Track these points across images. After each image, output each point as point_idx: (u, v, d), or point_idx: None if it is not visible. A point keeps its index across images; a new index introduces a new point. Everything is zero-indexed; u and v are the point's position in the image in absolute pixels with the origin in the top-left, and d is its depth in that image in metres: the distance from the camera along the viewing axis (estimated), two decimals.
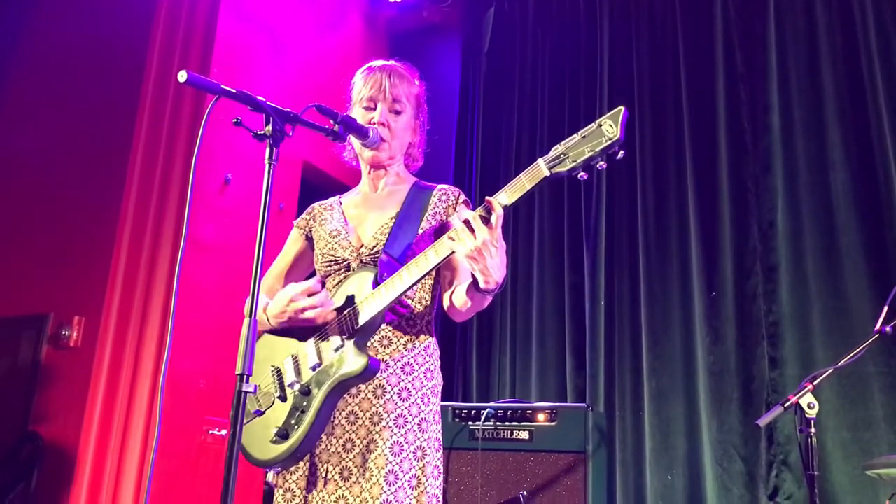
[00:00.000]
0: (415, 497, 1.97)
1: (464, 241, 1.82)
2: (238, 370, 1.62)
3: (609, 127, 1.72)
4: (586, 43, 5.18)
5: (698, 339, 4.26)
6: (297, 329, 2.07)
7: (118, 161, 4.12)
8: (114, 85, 4.33)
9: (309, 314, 2.00)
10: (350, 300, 2.00)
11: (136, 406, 3.84)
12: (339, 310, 2.01)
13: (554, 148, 1.78)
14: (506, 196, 1.82)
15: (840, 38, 4.27)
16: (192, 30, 4.33)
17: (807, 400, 2.63)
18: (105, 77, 4.39)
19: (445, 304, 2.12)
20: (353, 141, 2.23)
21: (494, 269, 1.83)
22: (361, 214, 2.24)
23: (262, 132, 1.79)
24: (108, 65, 4.40)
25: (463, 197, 2.25)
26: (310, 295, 2.00)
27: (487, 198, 1.82)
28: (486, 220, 1.81)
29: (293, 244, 2.36)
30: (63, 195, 4.30)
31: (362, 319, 1.94)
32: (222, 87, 1.76)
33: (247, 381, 1.62)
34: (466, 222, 1.82)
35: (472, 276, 1.88)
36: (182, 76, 1.68)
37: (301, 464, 2.03)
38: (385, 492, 1.91)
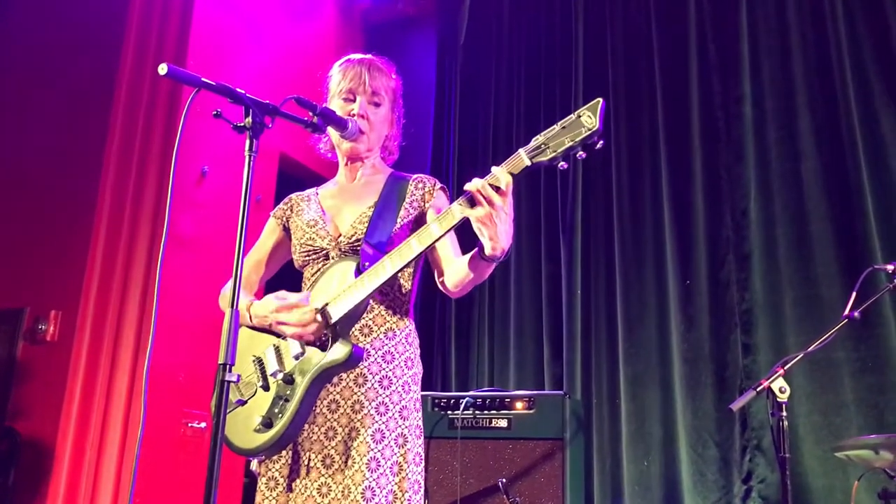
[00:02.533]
0: (396, 483, 2.00)
1: (482, 205, 1.78)
2: (221, 360, 1.62)
3: (588, 118, 1.75)
4: (561, 34, 5.21)
5: (673, 326, 4.31)
6: None
7: (94, 153, 4.09)
8: (88, 77, 4.30)
9: (287, 331, 1.99)
10: (332, 290, 2.02)
11: (115, 400, 3.82)
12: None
13: (534, 138, 1.80)
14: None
15: (810, 30, 4.33)
16: (167, 19, 4.29)
17: (778, 384, 2.69)
18: (79, 69, 4.34)
19: (449, 281, 2.10)
20: (332, 132, 2.24)
21: (503, 236, 1.82)
22: (338, 205, 2.26)
23: (243, 124, 1.79)
24: (83, 56, 4.36)
25: (439, 184, 2.27)
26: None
27: (493, 168, 1.80)
28: (496, 189, 1.79)
29: (270, 234, 2.37)
30: (38, 188, 4.26)
31: (345, 308, 1.95)
32: (202, 79, 1.75)
33: (229, 371, 1.63)
34: (480, 189, 1.79)
35: (480, 243, 1.86)
36: (162, 69, 1.68)
37: (284, 452, 2.04)
38: (367, 478, 1.93)
